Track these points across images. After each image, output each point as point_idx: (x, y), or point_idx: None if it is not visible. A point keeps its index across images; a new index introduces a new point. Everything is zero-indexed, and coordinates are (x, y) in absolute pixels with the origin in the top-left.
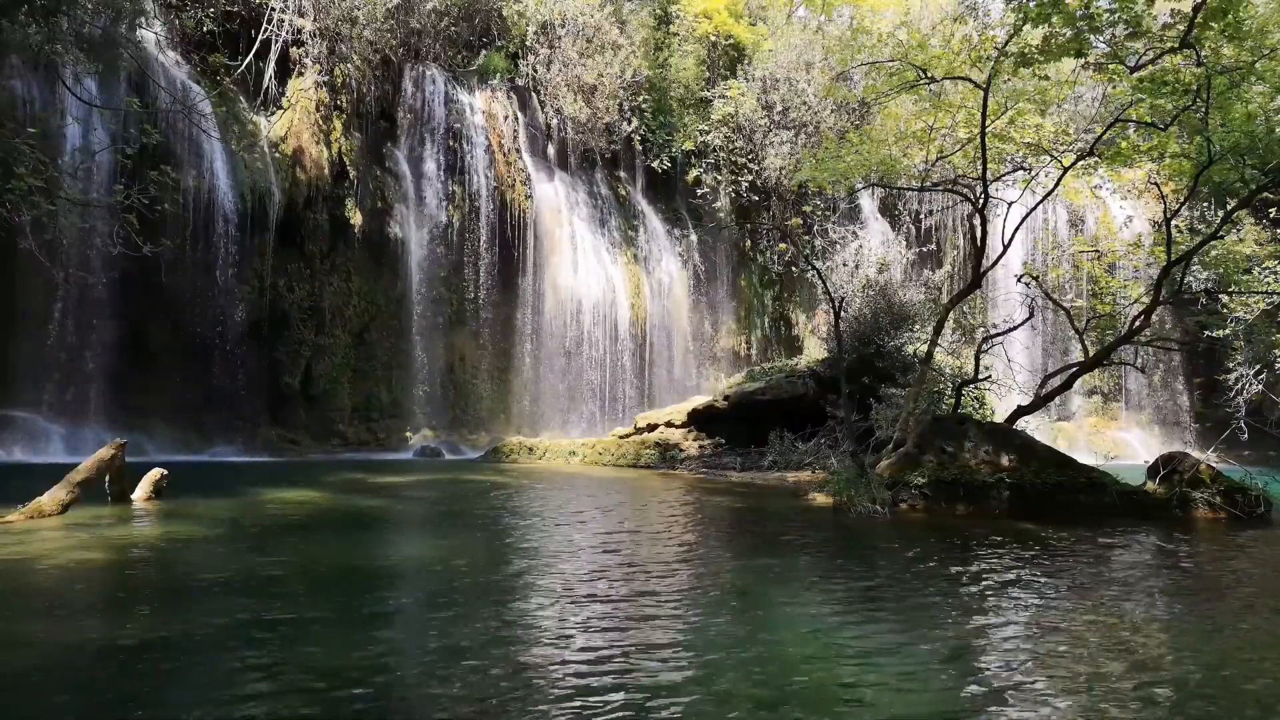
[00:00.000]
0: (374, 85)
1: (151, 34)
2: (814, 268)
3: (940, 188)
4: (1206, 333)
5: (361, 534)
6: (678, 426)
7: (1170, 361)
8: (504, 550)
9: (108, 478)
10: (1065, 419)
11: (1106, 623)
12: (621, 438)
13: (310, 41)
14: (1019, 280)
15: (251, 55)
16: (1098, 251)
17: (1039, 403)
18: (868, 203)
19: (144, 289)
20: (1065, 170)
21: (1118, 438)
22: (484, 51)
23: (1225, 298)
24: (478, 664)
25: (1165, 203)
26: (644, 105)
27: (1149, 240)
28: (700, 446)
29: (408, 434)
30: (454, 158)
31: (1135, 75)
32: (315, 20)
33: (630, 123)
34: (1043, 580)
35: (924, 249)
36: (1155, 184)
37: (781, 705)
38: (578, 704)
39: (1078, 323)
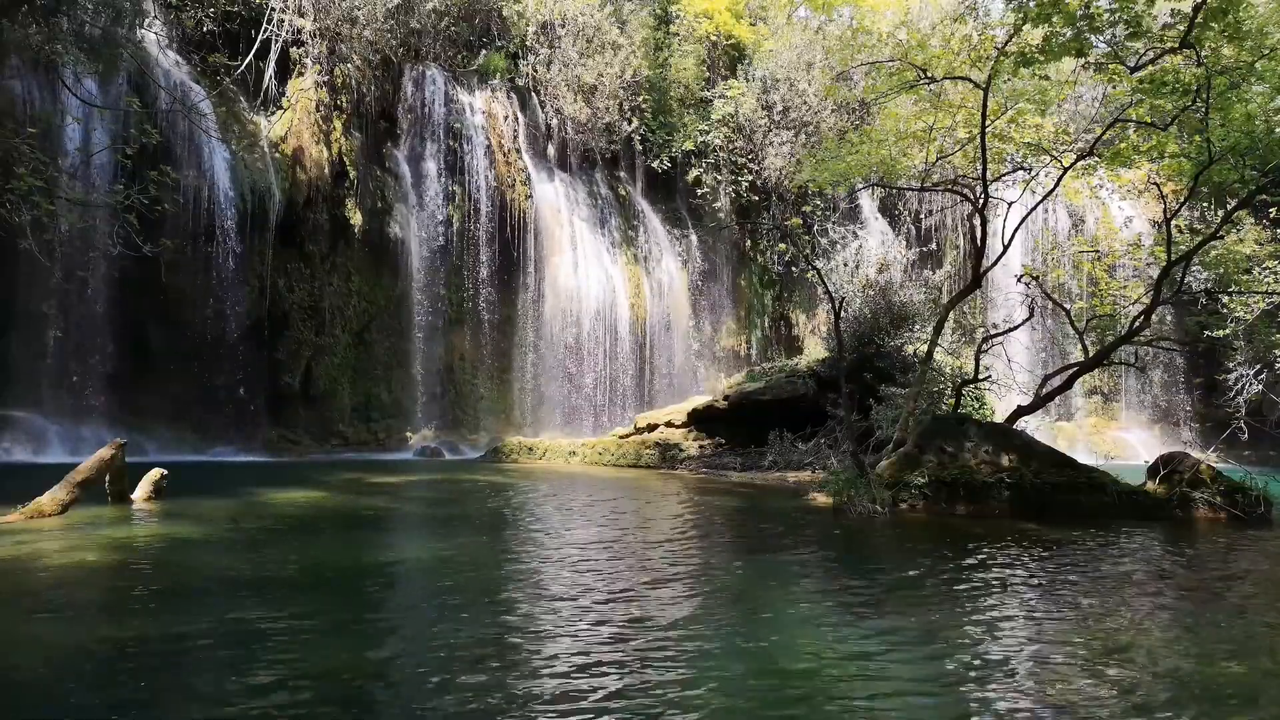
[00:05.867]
0: (374, 85)
1: (151, 34)
2: (814, 268)
3: (940, 188)
4: (1206, 333)
5: (361, 534)
6: (678, 426)
7: (1170, 361)
8: (503, 551)
9: (108, 478)
10: (1065, 419)
11: (1106, 622)
12: (621, 438)
13: (310, 41)
14: (1019, 280)
15: (251, 55)
16: (1098, 252)
17: (1039, 403)
18: (868, 203)
19: (144, 289)
20: (1065, 170)
21: (1118, 438)
22: (484, 51)
23: (1225, 298)
24: (476, 665)
25: (1165, 203)
26: (644, 105)
27: (1149, 240)
28: (700, 446)
29: (408, 434)
30: (454, 158)
31: (1135, 75)
32: (315, 20)
33: (630, 123)
34: (1043, 581)
35: (924, 249)
36: (1155, 184)
37: (782, 706)
38: (577, 706)
39: (1078, 323)
